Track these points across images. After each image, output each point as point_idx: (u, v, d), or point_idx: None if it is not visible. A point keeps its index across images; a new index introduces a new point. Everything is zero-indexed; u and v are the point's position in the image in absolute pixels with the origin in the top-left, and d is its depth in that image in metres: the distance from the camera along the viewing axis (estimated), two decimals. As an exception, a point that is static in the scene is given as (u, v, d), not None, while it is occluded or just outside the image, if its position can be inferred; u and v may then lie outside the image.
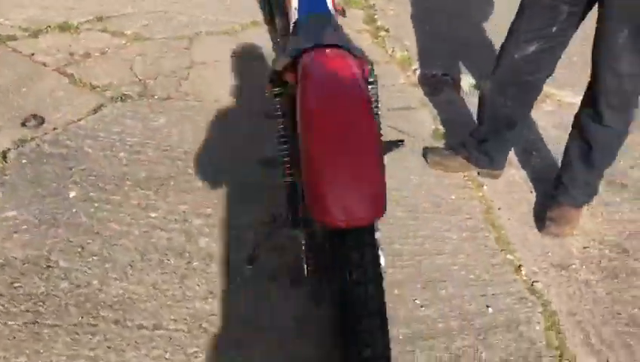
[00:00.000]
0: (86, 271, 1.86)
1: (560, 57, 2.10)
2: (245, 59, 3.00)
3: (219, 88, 2.76)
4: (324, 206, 1.07)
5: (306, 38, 1.42)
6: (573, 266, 2.10)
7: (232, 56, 3.00)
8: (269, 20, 2.76)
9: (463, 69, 3.11)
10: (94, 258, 1.90)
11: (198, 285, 1.87)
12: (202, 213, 2.11)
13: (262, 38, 3.14)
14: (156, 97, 2.68)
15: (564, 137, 2.23)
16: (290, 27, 1.64)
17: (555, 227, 2.19)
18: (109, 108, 2.56)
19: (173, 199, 2.15)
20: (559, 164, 2.28)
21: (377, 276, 1.21)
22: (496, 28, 3.12)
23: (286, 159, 1.50)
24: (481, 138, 2.34)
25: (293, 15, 1.63)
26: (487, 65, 2.31)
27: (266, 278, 1.90)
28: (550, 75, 2.15)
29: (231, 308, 1.80)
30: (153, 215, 2.08)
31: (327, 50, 1.31)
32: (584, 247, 2.18)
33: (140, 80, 2.77)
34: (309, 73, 1.25)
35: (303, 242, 1.48)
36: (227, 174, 2.27)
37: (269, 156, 1.90)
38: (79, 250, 1.92)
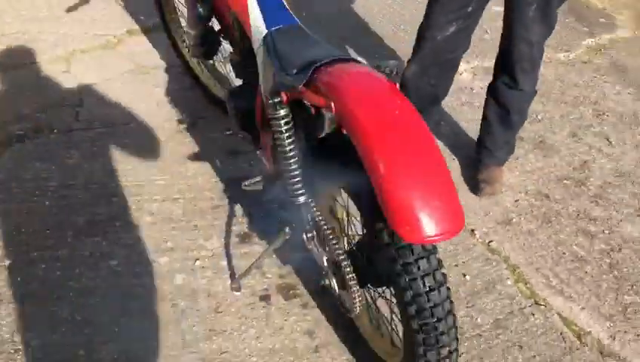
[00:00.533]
0: (66, 343, 1.66)
1: (473, 32, 2.28)
2: (137, 72, 2.80)
3: (123, 109, 2.55)
4: (417, 226, 1.09)
5: (303, 52, 1.39)
6: (514, 220, 2.33)
7: (121, 72, 2.78)
8: (165, 27, 2.61)
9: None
10: (69, 325, 1.70)
11: (194, 325, 1.76)
12: (164, 248, 1.98)
13: (144, 47, 2.95)
14: (56, 131, 2.40)
15: (470, 104, 2.43)
16: (257, 42, 1.58)
17: (489, 188, 2.41)
18: (7, 155, 2.25)
19: (127, 240, 1.98)
20: (468, 131, 2.49)
21: (444, 278, 1.26)
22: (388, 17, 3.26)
23: (298, 179, 1.47)
24: None
25: (257, 30, 1.57)
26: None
27: (259, 300, 1.85)
28: (467, 50, 2.33)
29: (241, 341, 1.74)
30: (113, 262, 1.90)
31: (349, 65, 1.31)
32: (515, 201, 2.42)
33: (27, 115, 2.46)
34: (350, 91, 1.23)
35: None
36: (173, 200, 2.14)
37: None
38: (47, 320, 1.71)
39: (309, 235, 1.57)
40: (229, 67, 2.23)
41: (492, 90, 2.37)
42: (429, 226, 1.10)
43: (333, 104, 1.21)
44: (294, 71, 1.35)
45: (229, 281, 1.88)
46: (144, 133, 2.42)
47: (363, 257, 1.44)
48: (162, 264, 1.92)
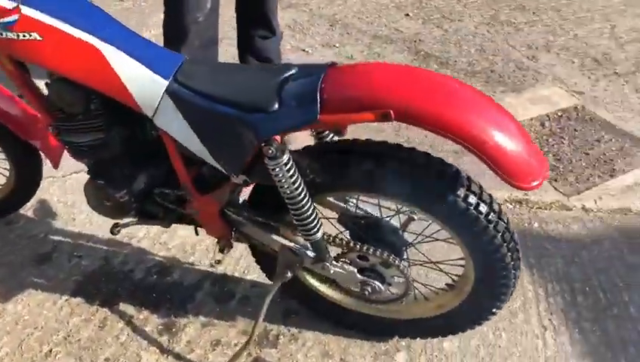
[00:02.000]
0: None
1: None
2: None
3: None
4: (529, 176, 1.18)
5: (260, 81, 1.28)
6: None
7: None
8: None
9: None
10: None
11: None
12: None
13: None
14: None
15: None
16: (151, 107, 1.32)
17: None
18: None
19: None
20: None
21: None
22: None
23: (313, 216, 1.35)
24: None
25: (151, 89, 1.31)
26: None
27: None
28: None
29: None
30: None
31: (339, 70, 1.25)
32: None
33: None
34: (397, 90, 1.17)
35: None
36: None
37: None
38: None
39: (331, 262, 1.47)
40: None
41: (250, 50, 2.37)
42: (535, 175, 1.19)
43: (391, 111, 1.12)
44: (292, 106, 1.21)
45: None
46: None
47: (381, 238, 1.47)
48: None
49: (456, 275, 1.56)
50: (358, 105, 1.15)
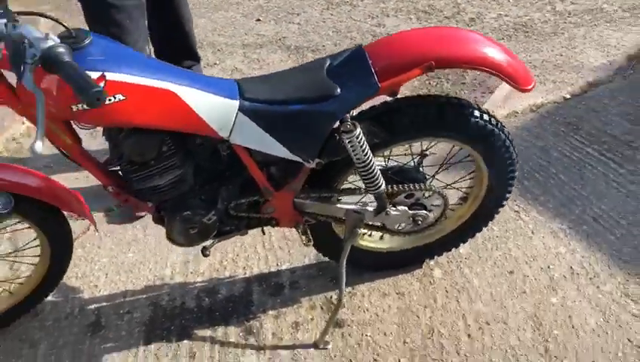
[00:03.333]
0: None
1: None
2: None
3: None
4: (529, 82, 1.61)
5: (314, 79, 1.55)
6: None
7: None
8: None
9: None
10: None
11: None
12: None
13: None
14: None
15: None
16: (227, 126, 1.51)
17: None
18: None
19: None
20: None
21: None
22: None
23: (379, 174, 1.64)
24: None
25: (224, 113, 1.51)
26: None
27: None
28: None
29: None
30: None
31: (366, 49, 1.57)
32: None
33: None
34: (424, 47, 1.54)
35: None
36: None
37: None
38: None
39: (392, 208, 1.78)
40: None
41: None
42: (531, 80, 1.62)
43: (433, 62, 1.48)
44: (350, 84, 1.49)
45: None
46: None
47: (413, 177, 1.80)
48: None
49: (468, 188, 1.97)
50: (406, 66, 1.49)
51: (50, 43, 1.19)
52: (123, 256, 2.22)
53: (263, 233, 1.88)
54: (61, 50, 1.16)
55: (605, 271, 2.09)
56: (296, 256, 2.19)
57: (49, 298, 2.02)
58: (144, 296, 2.07)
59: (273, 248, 2.23)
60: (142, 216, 2.38)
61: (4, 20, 1.25)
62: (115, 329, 1.95)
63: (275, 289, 2.08)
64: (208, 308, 2.02)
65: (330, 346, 1.87)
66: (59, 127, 1.46)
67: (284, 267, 2.16)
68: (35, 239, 1.82)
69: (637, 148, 2.67)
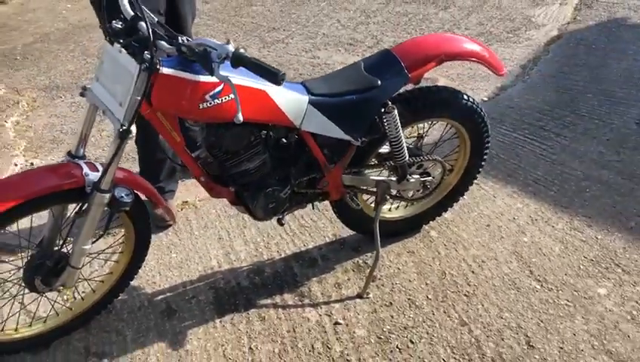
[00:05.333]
0: None
1: None
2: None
3: None
4: (503, 67, 2.25)
5: (362, 74, 2.06)
6: None
7: None
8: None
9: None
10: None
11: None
12: None
13: None
14: None
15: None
16: (299, 118, 1.94)
17: None
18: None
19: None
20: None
21: None
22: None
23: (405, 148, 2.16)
24: None
25: (297, 107, 1.94)
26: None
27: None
28: None
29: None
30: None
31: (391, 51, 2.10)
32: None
33: None
34: (435, 47, 2.12)
35: None
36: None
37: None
38: None
39: (413, 174, 2.30)
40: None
41: None
42: (503, 66, 2.26)
43: (443, 57, 2.04)
44: (387, 77, 2.01)
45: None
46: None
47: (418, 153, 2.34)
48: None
49: (454, 160, 2.53)
50: (425, 60, 2.05)
51: (232, 47, 1.56)
52: (168, 257, 2.53)
53: (313, 208, 2.32)
54: (242, 50, 1.56)
55: (554, 215, 2.75)
56: (317, 237, 2.63)
57: (117, 297, 2.28)
58: (202, 283, 2.39)
59: (296, 234, 2.65)
60: (171, 225, 2.70)
61: (185, 37, 1.65)
62: (187, 311, 2.26)
63: (310, 262, 2.50)
64: (261, 283, 2.39)
65: (371, 295, 2.32)
66: (172, 124, 1.82)
67: (310, 246, 2.59)
68: (121, 236, 2.11)
69: (549, 130, 3.44)
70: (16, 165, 3.21)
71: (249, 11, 5.54)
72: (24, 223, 1.92)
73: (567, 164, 3.12)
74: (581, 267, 2.44)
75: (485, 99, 3.84)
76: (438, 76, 4.09)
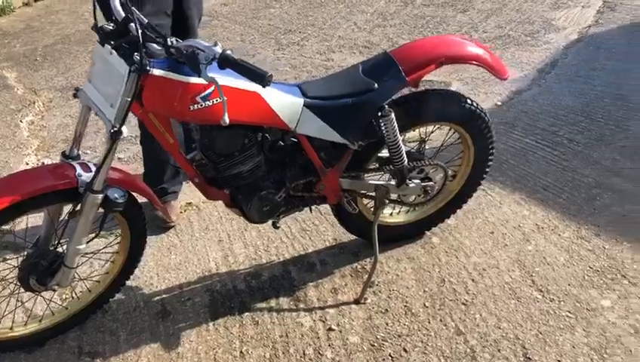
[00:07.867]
0: None
1: None
2: None
3: None
4: (506, 71, 2.20)
5: (360, 77, 2.03)
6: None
7: None
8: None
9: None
10: None
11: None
12: None
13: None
14: None
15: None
16: (293, 120, 1.93)
17: None
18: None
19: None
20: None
21: None
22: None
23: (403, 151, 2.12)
24: None
25: (292, 110, 1.91)
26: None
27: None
28: None
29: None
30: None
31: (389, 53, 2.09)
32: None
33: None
34: (434, 52, 2.08)
35: None
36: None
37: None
38: None
39: (413, 179, 2.27)
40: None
41: None
42: (506, 71, 2.21)
43: (443, 59, 2.00)
44: (385, 80, 1.98)
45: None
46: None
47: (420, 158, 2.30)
48: None
49: (457, 166, 2.48)
50: (424, 63, 2.02)
51: (219, 49, 1.55)
52: (167, 259, 2.54)
53: (311, 211, 2.30)
54: (229, 52, 1.55)
55: (562, 223, 2.67)
56: (317, 241, 2.61)
57: (113, 298, 2.29)
58: (199, 286, 2.39)
59: (296, 237, 2.63)
60: (173, 226, 2.71)
61: (174, 38, 1.66)
62: (182, 313, 2.26)
63: (308, 266, 2.48)
64: (257, 287, 2.38)
65: (368, 301, 2.29)
66: (165, 126, 1.82)
67: (310, 250, 2.57)
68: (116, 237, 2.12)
69: (562, 136, 3.35)
70: (27, 164, 3.26)
71: (266, 13, 5.55)
72: (21, 223, 1.95)
73: (579, 170, 3.04)
74: (586, 277, 2.37)
75: (499, 103, 3.77)
76: (452, 80, 4.04)
